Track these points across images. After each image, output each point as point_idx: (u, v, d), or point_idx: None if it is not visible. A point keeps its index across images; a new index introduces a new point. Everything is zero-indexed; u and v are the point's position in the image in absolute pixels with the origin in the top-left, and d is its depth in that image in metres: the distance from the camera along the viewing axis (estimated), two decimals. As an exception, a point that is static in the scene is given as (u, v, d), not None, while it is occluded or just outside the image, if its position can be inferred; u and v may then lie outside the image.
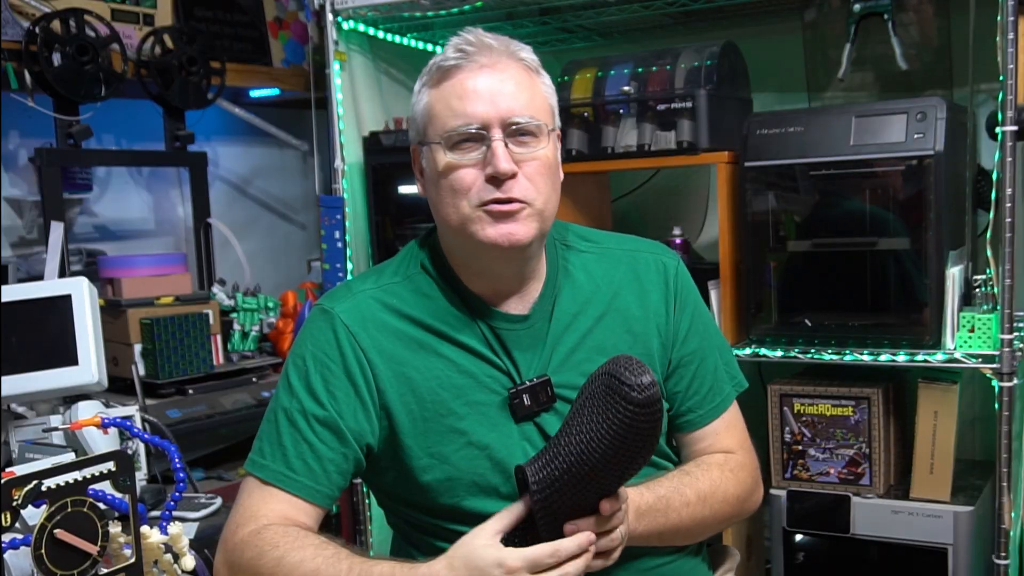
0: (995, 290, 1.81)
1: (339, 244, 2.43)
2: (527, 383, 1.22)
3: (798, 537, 2.10)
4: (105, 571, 1.05)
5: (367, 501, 2.42)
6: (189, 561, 1.24)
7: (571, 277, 1.29)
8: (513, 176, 1.16)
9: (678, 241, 2.24)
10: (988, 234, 1.84)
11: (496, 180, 1.16)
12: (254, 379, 2.47)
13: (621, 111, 2.16)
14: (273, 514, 1.18)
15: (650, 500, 1.17)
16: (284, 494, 1.19)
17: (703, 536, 1.30)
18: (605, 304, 1.29)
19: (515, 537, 1.08)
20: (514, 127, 1.17)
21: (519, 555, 1.03)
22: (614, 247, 1.34)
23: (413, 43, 2.60)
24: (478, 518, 1.20)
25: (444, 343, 1.23)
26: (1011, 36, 1.72)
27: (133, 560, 1.08)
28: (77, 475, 1.01)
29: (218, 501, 1.65)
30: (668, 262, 1.34)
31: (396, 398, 1.21)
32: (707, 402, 1.31)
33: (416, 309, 1.24)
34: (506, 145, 1.17)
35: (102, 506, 1.11)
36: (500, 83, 1.18)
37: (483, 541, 1.06)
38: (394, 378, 1.22)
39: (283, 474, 1.19)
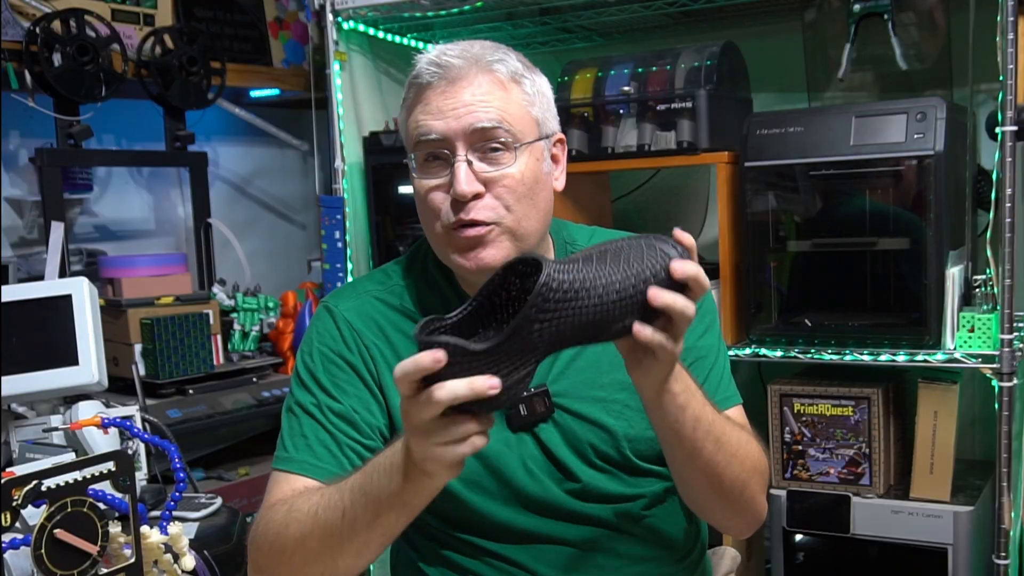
0: (995, 290, 1.81)
1: (339, 244, 2.43)
2: (524, 393, 1.17)
3: (798, 537, 2.10)
4: (105, 571, 1.06)
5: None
6: (189, 561, 1.25)
7: None
8: (479, 196, 1.13)
9: (678, 241, 2.24)
10: (988, 234, 1.84)
11: (458, 203, 1.13)
12: (254, 379, 2.47)
13: (621, 111, 2.16)
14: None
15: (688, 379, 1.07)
16: (312, 482, 1.16)
17: (711, 479, 1.13)
18: None
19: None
20: (480, 142, 1.13)
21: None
22: None
23: (413, 43, 2.60)
24: (476, 523, 1.20)
25: None
26: (1011, 36, 1.72)
27: (133, 560, 1.09)
28: (77, 475, 1.01)
29: (218, 501, 1.65)
30: None
31: (396, 396, 1.21)
32: (719, 392, 1.26)
33: (421, 311, 1.23)
34: (470, 164, 1.12)
35: (102, 506, 1.11)
36: (465, 97, 1.13)
37: None
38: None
39: (308, 463, 1.17)
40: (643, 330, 0.93)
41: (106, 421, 1.51)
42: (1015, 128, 1.74)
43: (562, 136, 1.24)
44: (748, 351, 2.02)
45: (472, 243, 1.14)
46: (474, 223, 1.13)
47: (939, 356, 1.85)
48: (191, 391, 2.32)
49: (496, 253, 1.14)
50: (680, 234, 0.97)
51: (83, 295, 1.62)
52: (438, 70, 1.14)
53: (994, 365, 1.79)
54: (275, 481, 1.19)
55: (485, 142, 1.13)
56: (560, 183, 1.24)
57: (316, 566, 1.08)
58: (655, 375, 1.00)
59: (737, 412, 1.28)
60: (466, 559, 1.22)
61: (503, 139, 1.14)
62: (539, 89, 1.20)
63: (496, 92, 1.15)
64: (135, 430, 1.52)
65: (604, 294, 0.90)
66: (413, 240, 2.40)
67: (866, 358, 1.91)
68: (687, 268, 0.94)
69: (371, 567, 2.36)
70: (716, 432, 1.09)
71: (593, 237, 1.31)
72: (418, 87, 1.16)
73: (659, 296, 0.91)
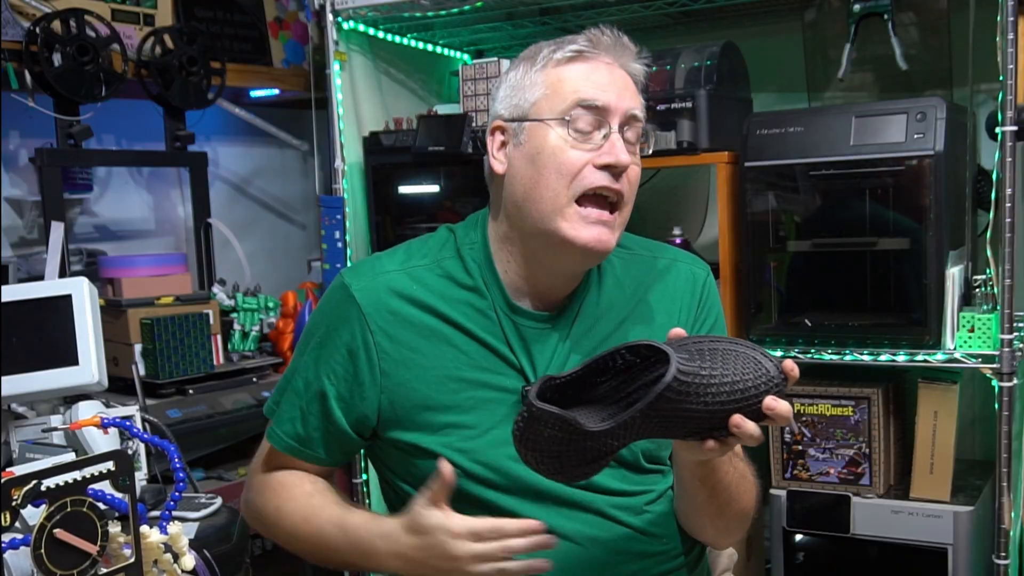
0: (995, 290, 1.81)
1: (339, 244, 2.43)
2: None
3: (798, 537, 2.10)
4: (105, 571, 1.05)
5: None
6: (189, 561, 1.24)
7: (601, 279, 1.28)
8: (625, 171, 1.18)
9: (678, 241, 2.24)
10: (988, 234, 1.84)
11: (611, 169, 1.16)
12: (254, 379, 2.47)
13: (621, 111, 2.16)
14: (278, 464, 1.30)
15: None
16: (279, 455, 1.28)
17: (714, 520, 1.23)
18: (629, 309, 1.27)
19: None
20: (626, 125, 1.18)
21: (463, 523, 1.06)
22: (645, 253, 1.34)
23: (413, 43, 2.60)
24: (475, 508, 1.20)
25: (460, 335, 1.22)
26: (1011, 36, 1.72)
27: (133, 560, 1.08)
28: (77, 475, 1.01)
29: (218, 501, 1.64)
30: (699, 273, 1.34)
31: (401, 383, 1.21)
32: None
33: (437, 297, 1.23)
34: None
35: (102, 506, 1.11)
36: (626, 81, 1.19)
37: (420, 506, 1.09)
38: (401, 363, 1.21)
39: (275, 433, 1.28)
40: (715, 447, 0.99)
41: (106, 421, 1.50)
42: (1015, 128, 1.74)
43: None
44: (748, 351, 2.02)
45: (600, 221, 1.17)
46: (619, 194, 1.18)
47: (939, 356, 1.85)
48: (191, 391, 2.32)
49: (611, 240, 1.19)
50: (790, 367, 0.99)
51: (83, 295, 1.62)
52: (607, 40, 1.21)
53: (994, 365, 1.79)
54: (261, 445, 1.33)
55: (628, 127, 1.19)
56: None
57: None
58: (699, 456, 1.05)
59: None
60: None
61: (640, 130, 1.21)
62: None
63: (639, 84, 1.23)
64: (135, 430, 1.51)
65: (710, 402, 0.94)
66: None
67: (866, 358, 1.91)
68: (779, 408, 0.97)
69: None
70: (733, 489, 1.16)
71: (620, 246, 1.30)
72: (576, 52, 1.20)
73: (740, 425, 0.96)
